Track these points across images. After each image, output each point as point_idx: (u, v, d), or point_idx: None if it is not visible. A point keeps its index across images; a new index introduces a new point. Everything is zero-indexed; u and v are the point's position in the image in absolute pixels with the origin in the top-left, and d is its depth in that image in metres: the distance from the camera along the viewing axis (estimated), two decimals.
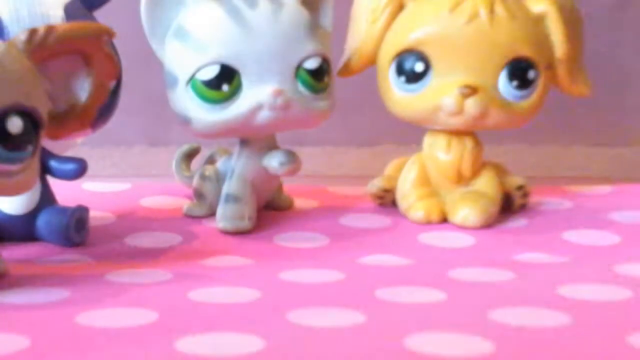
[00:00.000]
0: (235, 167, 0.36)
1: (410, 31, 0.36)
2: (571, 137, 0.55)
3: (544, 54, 0.36)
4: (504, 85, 0.36)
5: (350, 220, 0.38)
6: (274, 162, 0.35)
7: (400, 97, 0.37)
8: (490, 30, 0.35)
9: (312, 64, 0.34)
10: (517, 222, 0.38)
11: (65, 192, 0.41)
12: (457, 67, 0.35)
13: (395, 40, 0.37)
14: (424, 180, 0.38)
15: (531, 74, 0.35)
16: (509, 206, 0.39)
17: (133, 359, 0.23)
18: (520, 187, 0.39)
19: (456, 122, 0.36)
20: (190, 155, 0.41)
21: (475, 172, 0.38)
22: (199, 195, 0.38)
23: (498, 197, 0.38)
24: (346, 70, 0.39)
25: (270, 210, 0.39)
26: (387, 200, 0.40)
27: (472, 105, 0.35)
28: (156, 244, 0.34)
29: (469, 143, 0.37)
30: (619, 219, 0.38)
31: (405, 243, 0.35)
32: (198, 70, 0.33)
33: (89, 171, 0.50)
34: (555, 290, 0.29)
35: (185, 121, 0.34)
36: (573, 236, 0.36)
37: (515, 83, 0.35)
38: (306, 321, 0.26)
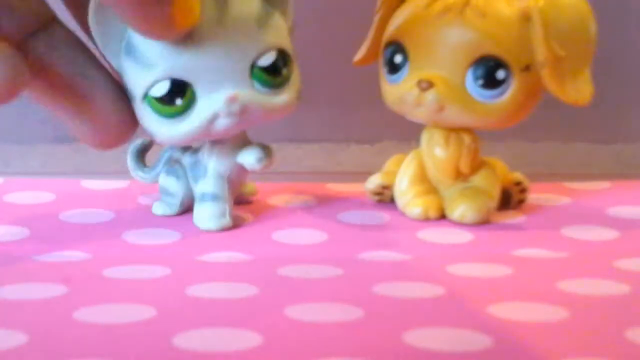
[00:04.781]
0: (208, 164, 0.36)
1: (395, 22, 0.37)
2: (572, 134, 0.55)
3: (521, 54, 0.34)
4: (471, 84, 0.35)
5: (348, 217, 0.38)
6: (251, 158, 0.35)
7: (386, 87, 0.37)
8: (460, 27, 0.34)
9: (266, 60, 0.33)
10: (516, 218, 0.38)
11: (64, 189, 0.41)
12: (430, 60, 0.35)
13: (387, 31, 0.37)
14: (422, 177, 0.38)
15: (500, 74, 0.34)
16: (507, 202, 0.39)
17: (131, 355, 0.23)
18: (518, 183, 0.39)
19: (419, 114, 0.36)
20: (144, 150, 0.39)
21: (474, 169, 0.38)
22: (168, 193, 0.37)
23: (496, 194, 0.38)
24: (358, 59, 0.39)
25: (238, 204, 0.39)
26: (385, 197, 0.40)
27: (428, 98, 0.35)
28: (154, 240, 0.34)
29: (466, 139, 0.37)
30: (618, 215, 0.38)
31: (404, 239, 0.35)
32: (150, 87, 0.32)
33: (89, 168, 0.50)
34: (554, 285, 0.29)
35: (150, 134, 0.33)
36: (572, 232, 0.36)
37: (480, 82, 0.35)
38: (304, 316, 0.26)
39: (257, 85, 0.33)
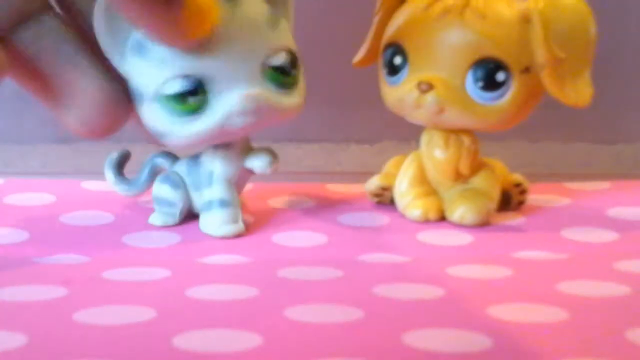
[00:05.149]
0: (214, 170, 0.35)
1: (394, 24, 0.37)
2: (572, 134, 0.55)
3: (520, 56, 0.34)
4: (470, 86, 0.35)
5: (348, 219, 0.38)
6: (261, 162, 0.35)
7: (385, 89, 0.37)
8: (460, 28, 0.34)
9: (277, 60, 0.33)
10: (516, 220, 0.38)
11: (64, 191, 0.41)
12: (429, 62, 0.35)
13: (387, 33, 0.37)
14: (422, 179, 0.38)
15: (500, 76, 0.34)
16: (507, 204, 0.39)
17: (131, 356, 0.23)
18: (518, 185, 0.39)
19: (419, 116, 0.36)
20: (123, 161, 0.39)
21: (473, 170, 0.38)
22: (166, 203, 0.36)
23: (496, 195, 0.38)
24: (358, 60, 0.39)
25: None
26: (385, 199, 0.40)
27: (428, 100, 0.35)
28: (154, 242, 0.34)
29: (466, 141, 0.37)
30: (617, 216, 0.38)
31: (404, 241, 0.35)
32: (162, 84, 0.31)
33: (90, 168, 0.50)
34: (554, 286, 0.29)
35: (159, 135, 0.33)
36: (572, 233, 0.36)
37: (480, 84, 0.35)
38: (304, 318, 0.26)
39: (269, 85, 0.33)
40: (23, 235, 0.35)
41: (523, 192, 0.39)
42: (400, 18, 0.37)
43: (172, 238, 0.35)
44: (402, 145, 0.51)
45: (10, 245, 0.34)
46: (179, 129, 0.32)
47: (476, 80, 0.35)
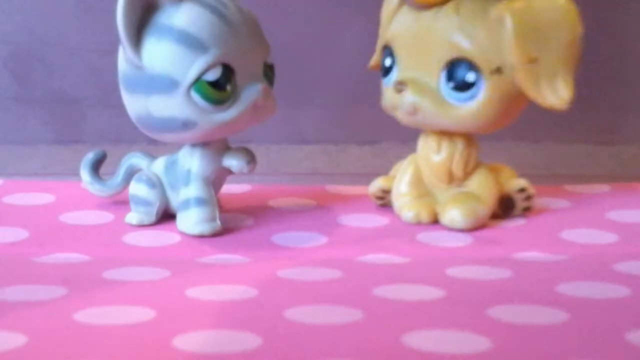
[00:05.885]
0: (191, 169, 0.35)
1: (389, 27, 0.37)
2: (572, 135, 0.55)
3: (490, 57, 0.34)
4: (444, 86, 0.35)
5: (348, 220, 0.38)
6: (239, 161, 0.35)
7: (383, 90, 0.38)
8: (435, 29, 0.34)
9: (270, 59, 0.34)
10: (515, 221, 0.38)
11: (64, 191, 0.41)
12: (412, 63, 0.35)
13: (383, 36, 0.37)
14: (418, 181, 0.38)
15: (470, 77, 0.34)
16: (511, 209, 0.38)
17: (131, 357, 0.23)
18: (522, 190, 0.38)
19: (399, 116, 0.36)
20: (98, 162, 0.39)
21: (468, 173, 0.37)
22: (143, 202, 0.36)
23: (489, 199, 0.37)
24: (372, 64, 0.39)
25: None
26: (387, 201, 0.39)
27: (403, 100, 0.35)
28: (154, 242, 0.34)
29: (459, 143, 0.37)
30: (617, 218, 0.38)
31: (404, 242, 0.35)
32: (204, 71, 0.32)
33: None
34: (554, 288, 0.29)
35: (183, 126, 0.33)
36: (571, 235, 0.36)
37: (451, 84, 0.34)
38: (304, 319, 0.26)
39: (265, 82, 0.34)
40: (23, 235, 0.35)
41: (528, 197, 0.38)
42: (394, 21, 0.37)
43: (172, 237, 0.35)
44: (402, 146, 0.51)
45: (9, 244, 0.34)
46: (211, 118, 0.33)
47: (448, 80, 0.35)
